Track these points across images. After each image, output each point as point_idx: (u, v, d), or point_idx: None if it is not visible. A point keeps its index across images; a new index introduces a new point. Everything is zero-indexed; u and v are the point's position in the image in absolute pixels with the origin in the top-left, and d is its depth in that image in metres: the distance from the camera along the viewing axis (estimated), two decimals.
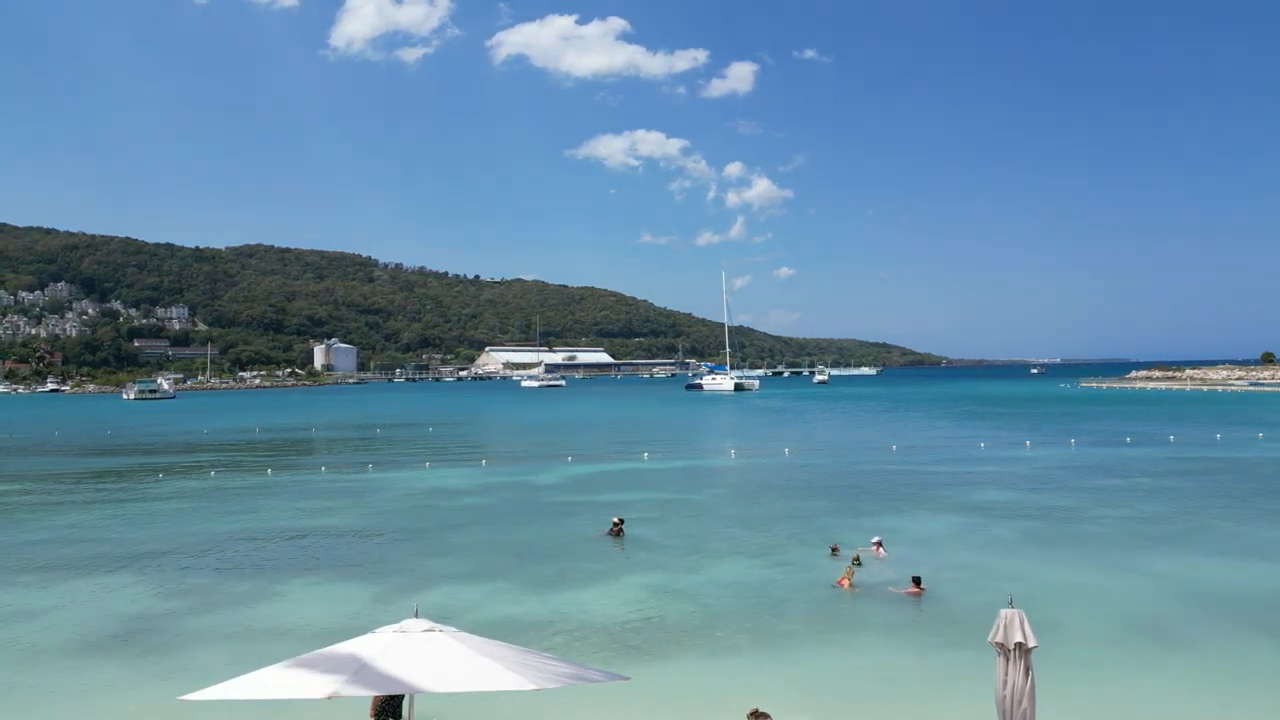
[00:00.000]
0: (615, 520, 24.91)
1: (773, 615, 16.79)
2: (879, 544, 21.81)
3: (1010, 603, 8.63)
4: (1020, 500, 30.01)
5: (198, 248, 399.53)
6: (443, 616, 17.08)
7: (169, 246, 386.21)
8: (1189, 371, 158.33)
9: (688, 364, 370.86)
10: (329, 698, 5.86)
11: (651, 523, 26.88)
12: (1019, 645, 8.17)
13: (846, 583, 18.28)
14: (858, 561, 19.51)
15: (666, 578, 20.01)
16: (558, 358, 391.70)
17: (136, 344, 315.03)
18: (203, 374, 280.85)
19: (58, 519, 29.60)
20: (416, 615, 7.30)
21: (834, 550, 21.33)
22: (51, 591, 19.85)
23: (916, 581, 17.83)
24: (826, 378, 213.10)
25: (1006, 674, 8.23)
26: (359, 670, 6.12)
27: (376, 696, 10.33)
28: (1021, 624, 8.21)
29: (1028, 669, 8.21)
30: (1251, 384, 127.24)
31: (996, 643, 8.35)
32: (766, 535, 24.60)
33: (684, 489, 34.35)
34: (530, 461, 45.40)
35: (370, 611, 17.81)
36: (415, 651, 6.46)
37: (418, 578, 20.59)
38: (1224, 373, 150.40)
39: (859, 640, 15.42)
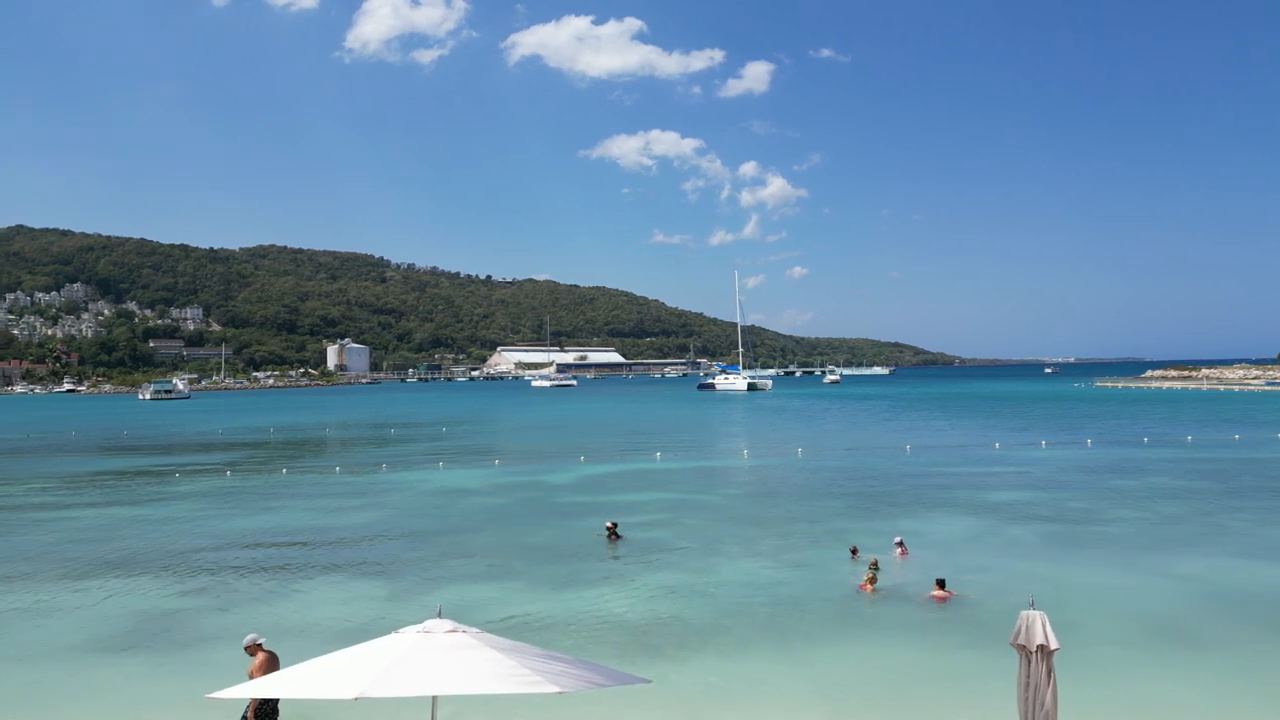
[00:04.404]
0: (609, 525, 24.81)
1: (791, 617, 16.76)
2: (901, 544, 21.72)
3: (1032, 604, 8.59)
4: (1037, 501, 29.83)
5: (212, 249, 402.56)
6: (458, 616, 17.12)
7: (183, 247, 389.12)
8: (1205, 371, 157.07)
9: (699, 364, 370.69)
10: (355, 699, 5.91)
11: (665, 524, 26.88)
12: (1041, 647, 8.14)
13: (869, 586, 18.19)
14: (876, 566, 19.42)
15: (681, 578, 20.00)
16: (569, 358, 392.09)
17: (152, 344, 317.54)
18: (217, 374, 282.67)
19: (78, 519, 29.88)
20: (440, 615, 7.34)
21: (853, 552, 21.27)
22: (75, 590, 20.04)
23: (941, 584, 17.73)
24: (838, 378, 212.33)
25: (1028, 676, 8.20)
26: (384, 671, 6.16)
27: (253, 700, 10.14)
28: (1043, 626, 8.18)
29: (1050, 671, 8.17)
30: (1269, 383, 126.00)
31: (1018, 645, 8.32)
32: (782, 537, 24.55)
33: (697, 489, 34.33)
34: (543, 461, 45.48)
35: (386, 611, 17.90)
36: (439, 653, 6.50)
37: (433, 577, 20.67)
38: (1240, 372, 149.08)
39: (879, 642, 15.36)
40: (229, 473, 42.62)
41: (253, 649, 11.39)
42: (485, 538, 25.58)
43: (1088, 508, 28.36)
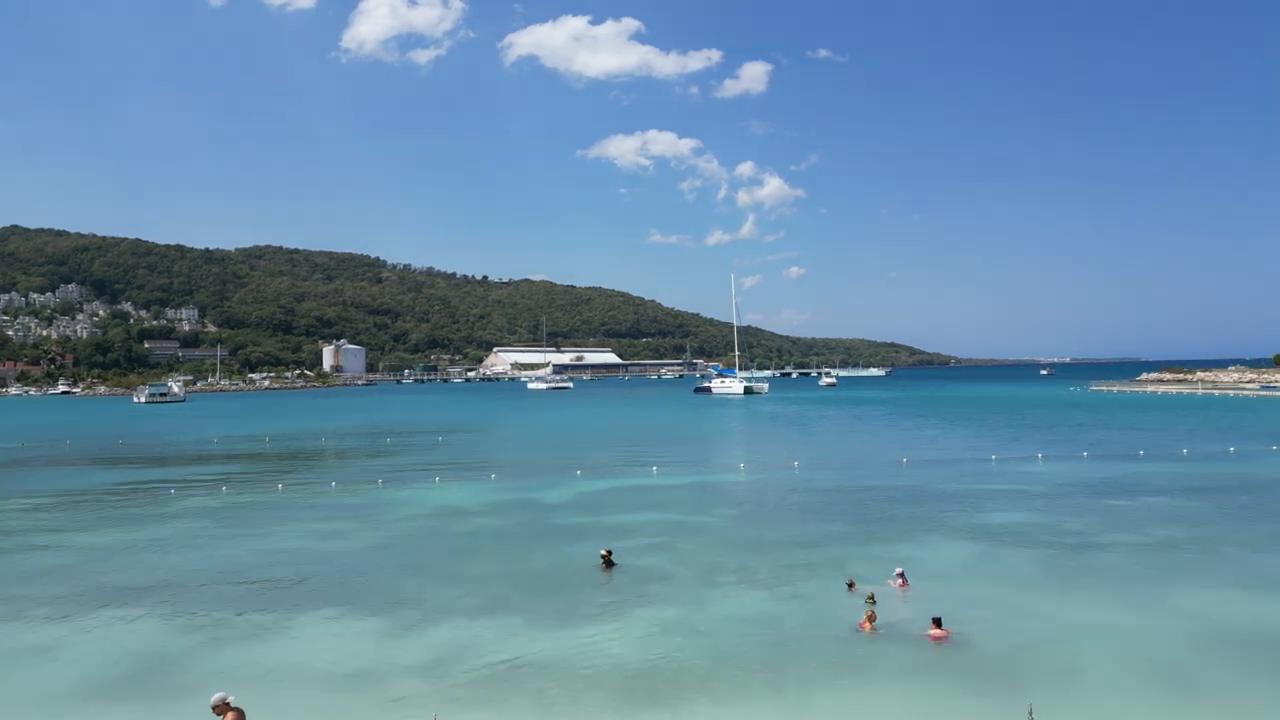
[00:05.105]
0: (603, 552, 24.66)
1: (787, 659, 16.66)
2: (902, 575, 21.61)
3: (1030, 715, 8.52)
4: (1034, 524, 29.78)
5: (207, 249, 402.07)
6: (456, 658, 17.14)
7: (179, 248, 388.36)
8: (1200, 374, 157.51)
9: (695, 364, 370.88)
10: None
11: (661, 549, 26.80)
12: None
13: (868, 625, 18.04)
14: (873, 600, 19.35)
15: (677, 613, 19.90)
16: (565, 358, 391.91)
17: (147, 345, 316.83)
18: (212, 375, 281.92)
19: (71, 543, 29.66)
20: None
21: (850, 585, 21.21)
22: (64, 626, 19.88)
23: (938, 623, 17.65)
24: (834, 380, 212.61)
25: None
26: None
27: None
28: None
29: None
30: (1263, 387, 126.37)
31: None
32: (778, 564, 24.44)
33: (693, 509, 34.23)
34: (539, 476, 45.31)
35: (383, 651, 17.80)
36: None
37: (428, 612, 20.51)
38: (1235, 375, 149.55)
39: (877, 689, 15.23)
40: (224, 489, 42.43)
41: (221, 709, 11.28)
42: (482, 565, 25.46)
43: (1084, 531, 28.33)
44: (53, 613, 20.96)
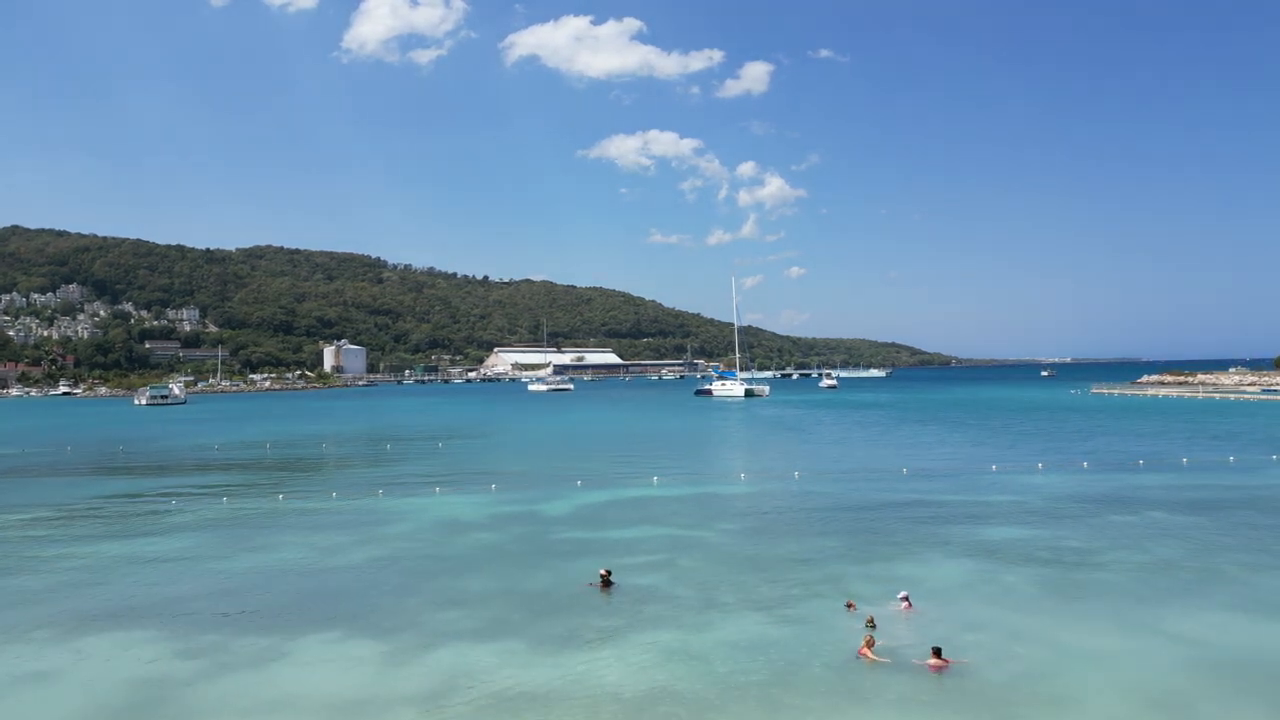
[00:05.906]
0: (602, 572, 24.66)
1: (786, 689, 16.65)
2: (906, 599, 21.55)
3: None
4: (1033, 539, 29.79)
5: (208, 249, 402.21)
6: (455, 686, 17.15)
7: (180, 248, 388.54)
8: (1200, 376, 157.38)
9: (696, 364, 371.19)
10: None
11: (660, 567, 26.80)
12: None
13: (868, 652, 17.97)
14: (872, 624, 19.35)
15: (675, 638, 19.89)
16: (566, 359, 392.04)
17: (148, 345, 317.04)
18: (213, 376, 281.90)
19: (71, 561, 29.59)
20: None
21: (850, 606, 21.23)
22: (63, 650, 19.89)
23: (937, 653, 17.63)
24: (835, 382, 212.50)
25: None
26: None
27: None
28: None
29: None
30: (1264, 390, 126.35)
31: None
32: (778, 584, 24.45)
33: (693, 523, 34.24)
34: (539, 487, 45.27)
35: (380, 677, 17.82)
36: None
37: (428, 635, 20.51)
38: (1235, 378, 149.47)
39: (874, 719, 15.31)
40: (225, 499, 42.43)
41: None
42: (481, 584, 25.44)
43: (1084, 548, 28.30)
44: (52, 636, 20.97)
